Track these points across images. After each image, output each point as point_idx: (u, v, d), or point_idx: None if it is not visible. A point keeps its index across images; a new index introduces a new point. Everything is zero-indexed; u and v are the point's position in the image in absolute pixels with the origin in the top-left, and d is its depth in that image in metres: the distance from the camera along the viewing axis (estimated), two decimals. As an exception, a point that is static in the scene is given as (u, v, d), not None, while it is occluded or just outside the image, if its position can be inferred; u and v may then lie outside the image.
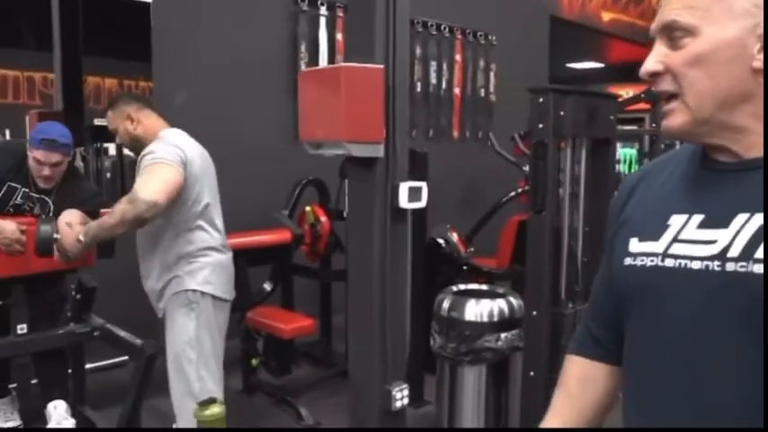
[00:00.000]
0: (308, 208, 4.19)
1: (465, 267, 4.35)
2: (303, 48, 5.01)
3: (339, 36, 5.21)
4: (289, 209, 4.14)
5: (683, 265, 0.92)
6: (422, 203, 2.96)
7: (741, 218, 0.88)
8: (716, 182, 0.94)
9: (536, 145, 2.64)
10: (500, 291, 3.32)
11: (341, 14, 5.21)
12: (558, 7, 7.48)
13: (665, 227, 0.96)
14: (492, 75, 6.71)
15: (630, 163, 8.53)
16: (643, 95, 5.77)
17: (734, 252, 0.87)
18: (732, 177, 0.92)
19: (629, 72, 9.83)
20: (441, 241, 4.21)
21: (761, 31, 0.87)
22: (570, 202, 2.91)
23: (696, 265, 0.91)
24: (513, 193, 4.84)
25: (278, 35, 4.98)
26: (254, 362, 3.66)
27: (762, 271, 0.84)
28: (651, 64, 0.94)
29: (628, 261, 1.00)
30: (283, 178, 4.49)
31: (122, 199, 2.44)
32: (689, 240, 0.93)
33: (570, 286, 2.93)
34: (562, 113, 2.59)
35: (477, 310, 3.09)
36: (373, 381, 2.95)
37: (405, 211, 2.95)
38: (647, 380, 0.99)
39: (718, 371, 0.89)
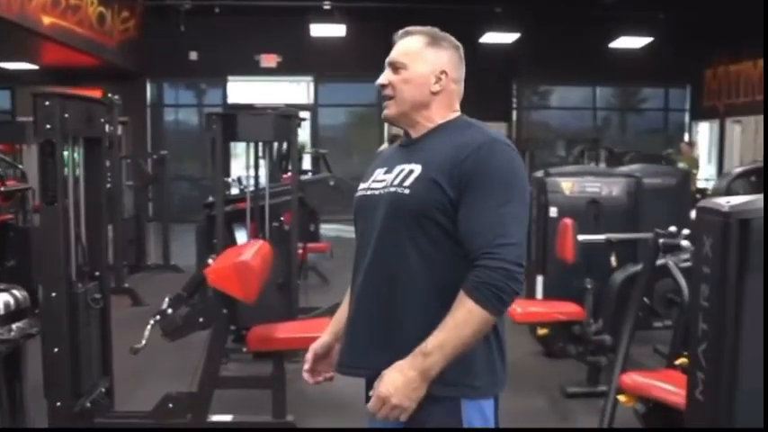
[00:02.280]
0: None
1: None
2: None
3: None
4: None
5: (372, 193, 1.65)
6: None
7: (397, 168, 1.62)
8: (398, 151, 1.72)
9: (44, 144, 2.93)
10: (2, 286, 3.41)
11: None
12: (-6, 5, 7.22)
13: (372, 175, 1.70)
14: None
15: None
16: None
17: (388, 184, 1.61)
18: (404, 148, 1.70)
19: (66, 75, 9.99)
20: None
21: (437, 73, 1.64)
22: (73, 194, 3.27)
23: (377, 192, 1.63)
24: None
25: None
26: None
27: (393, 190, 1.57)
28: (382, 80, 1.67)
29: (356, 195, 1.72)
30: None
31: None
32: (378, 180, 1.66)
33: (80, 268, 3.30)
34: (66, 116, 2.96)
35: (-17, 307, 3.15)
36: None
37: None
38: (360, 257, 1.65)
39: (393, 245, 1.57)
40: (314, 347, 1.78)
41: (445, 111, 1.68)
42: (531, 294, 4.59)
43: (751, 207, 1.89)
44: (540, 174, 4.79)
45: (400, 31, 1.72)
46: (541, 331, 4.45)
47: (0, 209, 5.17)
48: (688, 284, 3.65)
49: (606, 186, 4.63)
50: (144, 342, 3.18)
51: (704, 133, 13.65)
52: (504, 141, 1.60)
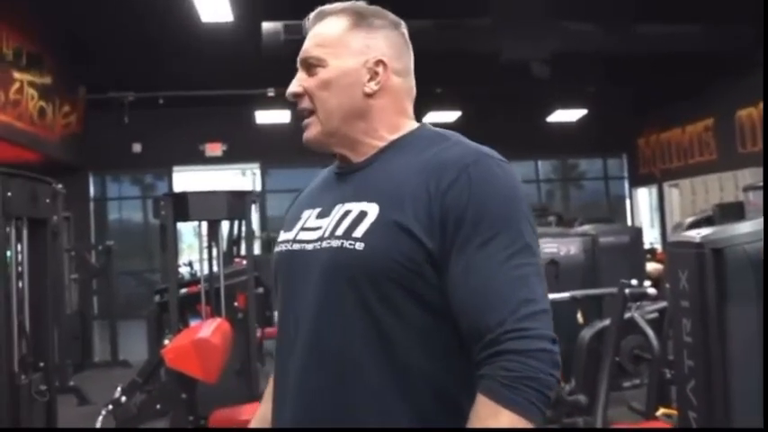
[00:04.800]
0: None
1: None
2: None
3: None
4: None
5: (303, 247, 1.16)
6: None
7: (336, 208, 1.14)
8: (333, 183, 1.21)
9: (-16, 224, 2.77)
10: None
11: None
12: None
13: (299, 219, 1.21)
14: None
15: None
16: None
17: (326, 234, 1.12)
18: (342, 178, 1.20)
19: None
20: None
21: (370, 65, 1.16)
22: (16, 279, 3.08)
23: (310, 246, 1.14)
24: None
25: None
26: None
27: (338, 244, 1.09)
28: (293, 87, 1.19)
29: (276, 249, 1.24)
30: None
31: None
32: (309, 228, 1.17)
33: (23, 359, 3.06)
34: (9, 194, 2.81)
35: None
36: None
37: None
38: (287, 339, 1.18)
39: (340, 325, 1.09)
40: None
41: (394, 118, 1.20)
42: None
43: (722, 236, 1.89)
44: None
45: (312, 14, 1.22)
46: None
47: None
48: (656, 336, 3.65)
49: (564, 246, 4.66)
50: (96, 434, 2.94)
51: (644, 199, 14.11)
52: (497, 156, 1.13)
